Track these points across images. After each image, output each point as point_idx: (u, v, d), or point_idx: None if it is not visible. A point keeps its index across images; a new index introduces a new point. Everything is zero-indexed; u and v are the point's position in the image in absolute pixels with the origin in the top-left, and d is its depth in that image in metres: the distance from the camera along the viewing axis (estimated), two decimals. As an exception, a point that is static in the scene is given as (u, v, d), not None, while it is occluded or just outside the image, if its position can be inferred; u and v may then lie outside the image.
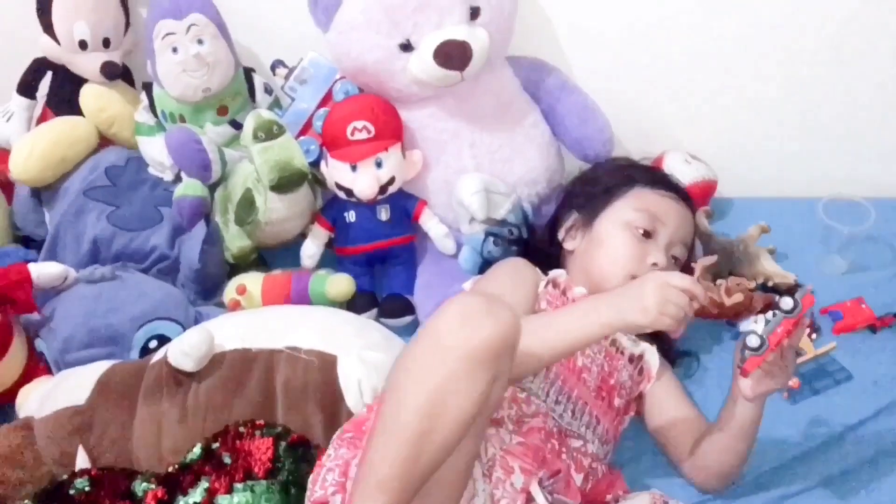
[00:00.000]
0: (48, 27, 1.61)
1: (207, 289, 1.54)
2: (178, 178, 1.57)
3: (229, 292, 1.50)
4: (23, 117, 1.70)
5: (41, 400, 1.27)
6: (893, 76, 1.64)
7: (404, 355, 1.01)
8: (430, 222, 1.57)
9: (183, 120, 1.59)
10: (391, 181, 1.50)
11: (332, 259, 1.58)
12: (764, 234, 1.51)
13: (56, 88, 1.69)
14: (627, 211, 1.33)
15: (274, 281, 1.51)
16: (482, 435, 1.05)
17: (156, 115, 1.62)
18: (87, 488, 1.14)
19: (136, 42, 1.68)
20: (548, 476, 1.09)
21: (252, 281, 1.50)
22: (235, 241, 1.55)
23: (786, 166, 1.74)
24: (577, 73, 1.66)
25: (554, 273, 1.32)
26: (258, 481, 1.12)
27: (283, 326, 1.30)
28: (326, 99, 1.58)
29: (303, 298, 1.48)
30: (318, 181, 1.57)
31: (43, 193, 1.64)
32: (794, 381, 1.33)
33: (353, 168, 1.48)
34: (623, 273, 1.28)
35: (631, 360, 1.28)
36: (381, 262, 1.59)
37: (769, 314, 1.05)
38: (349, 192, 1.50)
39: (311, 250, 1.56)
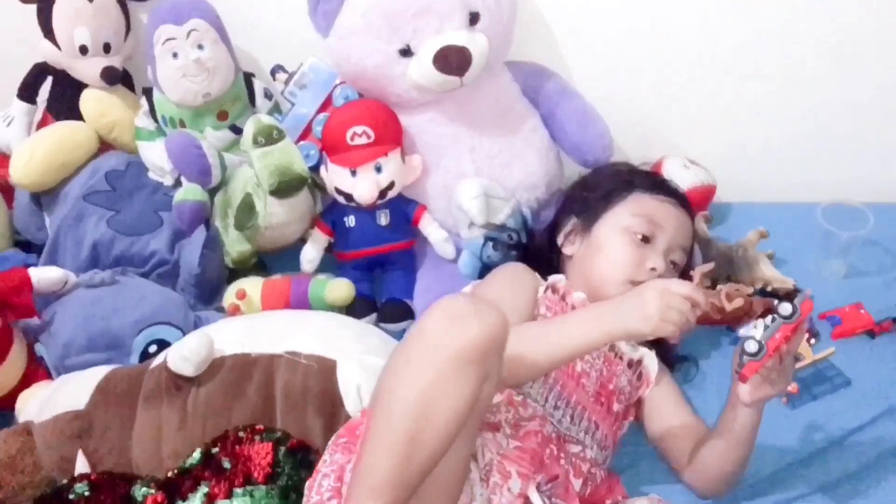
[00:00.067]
0: (49, 32, 1.61)
1: (207, 293, 1.54)
2: (178, 183, 1.57)
3: (229, 297, 1.50)
4: (23, 122, 1.71)
5: (41, 405, 1.27)
6: (892, 81, 1.64)
7: (393, 358, 1.01)
8: (429, 227, 1.57)
9: (183, 125, 1.60)
10: (391, 186, 1.50)
11: (331, 264, 1.59)
12: (763, 239, 1.51)
13: (56, 93, 1.69)
14: (626, 216, 1.33)
15: (273, 285, 1.51)
16: (475, 435, 1.05)
17: (156, 120, 1.63)
18: (86, 493, 1.14)
19: (137, 47, 1.68)
20: (546, 481, 1.09)
21: (252, 285, 1.50)
22: (235, 245, 1.55)
23: (785, 171, 1.74)
24: (576, 79, 1.67)
25: (553, 278, 1.32)
26: (258, 486, 1.12)
27: (283, 331, 1.30)
28: (326, 104, 1.59)
29: (302, 303, 1.49)
30: (317, 186, 1.57)
31: (43, 198, 1.65)
32: (792, 387, 1.33)
33: (353, 173, 1.48)
34: (622, 278, 1.28)
35: (630, 365, 1.28)
36: (381, 266, 1.59)
37: (768, 319, 1.05)
38: (349, 197, 1.50)
39: (310, 255, 1.56)
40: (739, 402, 1.10)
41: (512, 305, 1.22)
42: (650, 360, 1.29)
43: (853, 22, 1.58)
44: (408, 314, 1.52)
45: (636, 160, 1.57)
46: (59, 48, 1.62)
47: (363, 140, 1.46)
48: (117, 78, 1.64)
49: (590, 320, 1.09)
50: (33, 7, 1.62)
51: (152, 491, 1.13)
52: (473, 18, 1.45)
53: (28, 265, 1.50)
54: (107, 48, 1.64)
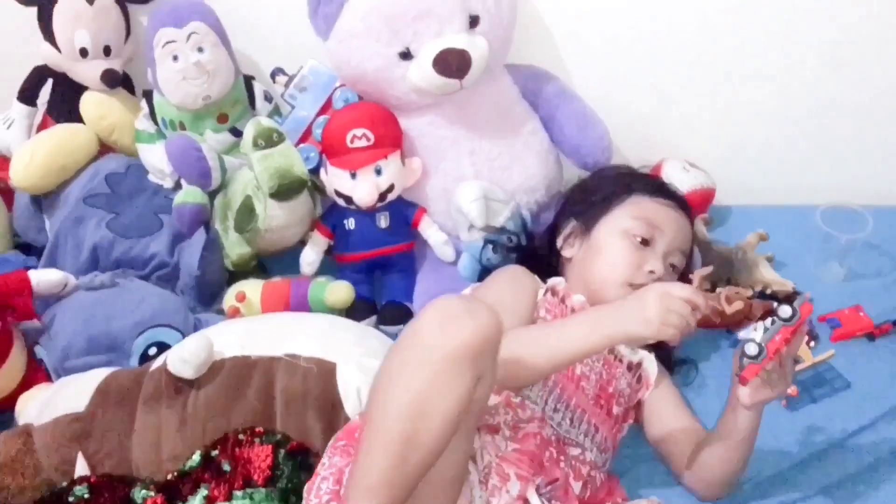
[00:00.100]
0: (49, 35, 1.61)
1: (207, 296, 1.55)
2: (177, 186, 1.58)
3: (229, 299, 1.50)
4: (23, 125, 1.71)
5: (41, 407, 1.27)
6: (891, 83, 1.64)
7: (387, 359, 1.01)
8: (429, 230, 1.57)
9: (183, 127, 1.60)
10: (390, 189, 1.50)
11: (331, 266, 1.59)
12: (762, 242, 1.51)
13: (57, 96, 1.69)
14: (625, 219, 1.33)
15: (273, 288, 1.51)
16: (472, 436, 1.05)
17: (156, 123, 1.63)
18: (86, 496, 1.14)
19: (137, 50, 1.68)
20: (545, 483, 1.09)
21: (251, 288, 1.50)
22: (235, 248, 1.55)
23: (784, 174, 1.75)
24: (575, 81, 1.67)
25: (553, 281, 1.32)
26: (257, 489, 1.12)
27: (283, 334, 1.30)
28: (326, 107, 1.59)
29: (302, 305, 1.49)
30: (317, 188, 1.57)
31: (43, 200, 1.65)
32: (792, 389, 1.33)
33: (353, 175, 1.48)
34: (621, 280, 1.28)
35: (629, 367, 1.28)
36: (381, 269, 1.59)
37: (767, 322, 1.05)
38: (349, 200, 1.50)
39: (310, 257, 1.56)
40: (739, 404, 1.10)
41: (512, 308, 1.23)
42: (650, 362, 1.29)
43: (852, 24, 1.58)
44: (408, 317, 1.52)
45: (636, 163, 1.57)
46: (60, 51, 1.62)
47: (363, 143, 1.46)
48: (117, 81, 1.65)
49: (590, 324, 1.09)
50: (34, 10, 1.62)
51: (152, 493, 1.13)
52: (473, 21, 1.45)
53: (28, 268, 1.51)
54: (107, 51, 1.64)
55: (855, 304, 1.48)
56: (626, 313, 1.06)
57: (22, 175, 1.58)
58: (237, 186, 1.54)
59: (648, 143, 1.70)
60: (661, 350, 1.32)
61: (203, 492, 1.12)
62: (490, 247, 1.46)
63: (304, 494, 1.07)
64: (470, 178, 1.54)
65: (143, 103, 1.64)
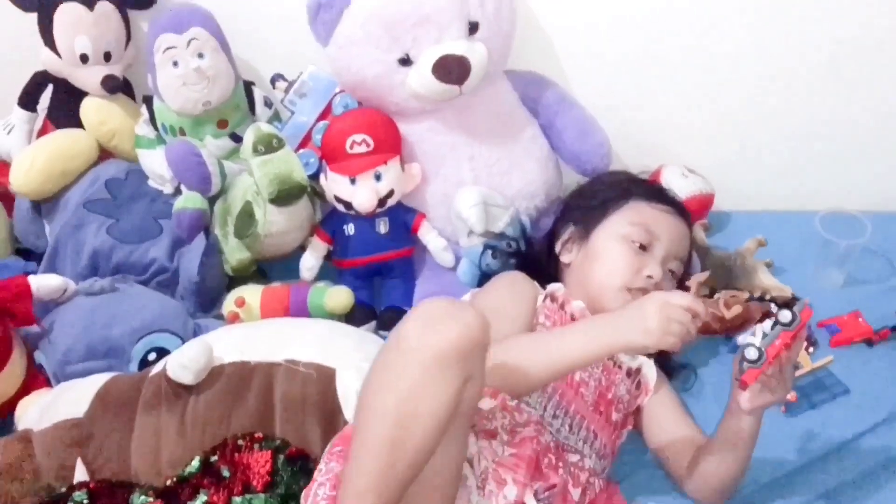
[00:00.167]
0: (49, 41, 1.61)
1: (206, 301, 1.55)
2: (177, 191, 1.58)
3: (228, 305, 1.50)
4: (23, 130, 1.71)
5: (40, 412, 1.27)
6: (890, 91, 1.65)
7: (374, 363, 1.01)
8: (428, 235, 1.57)
9: (183, 133, 1.60)
10: (390, 194, 1.50)
11: (330, 271, 1.59)
12: (761, 248, 1.51)
13: (57, 101, 1.69)
14: (623, 224, 1.33)
15: (273, 293, 1.51)
16: (466, 438, 1.05)
17: (156, 128, 1.63)
18: (85, 501, 1.14)
19: (137, 56, 1.68)
20: (543, 489, 1.09)
21: (251, 293, 1.51)
22: (235, 253, 1.55)
23: (783, 180, 1.75)
24: (575, 88, 1.67)
25: (552, 287, 1.32)
26: (256, 494, 1.12)
27: (282, 339, 1.30)
28: (326, 112, 1.59)
29: (301, 311, 1.49)
30: (317, 194, 1.57)
31: (43, 206, 1.65)
32: (791, 395, 1.33)
33: (353, 181, 1.48)
34: (619, 285, 1.28)
35: (629, 374, 1.28)
36: (380, 274, 1.59)
37: (767, 327, 1.06)
38: (348, 205, 1.50)
39: (310, 263, 1.57)
40: (739, 409, 1.10)
41: (511, 314, 1.23)
42: (649, 368, 1.29)
43: (851, 31, 1.58)
44: (407, 322, 1.52)
45: (635, 169, 1.57)
46: (60, 56, 1.62)
47: (362, 148, 1.47)
48: (118, 86, 1.65)
49: (589, 333, 1.09)
50: (34, 15, 1.62)
51: (151, 499, 1.13)
52: (473, 28, 1.46)
53: (28, 273, 1.51)
54: (107, 57, 1.64)
55: (854, 310, 1.48)
56: (626, 323, 1.06)
57: (22, 180, 1.59)
58: (237, 192, 1.54)
59: (647, 149, 1.70)
60: (660, 356, 1.32)
61: (202, 497, 1.12)
62: (489, 252, 1.46)
63: (301, 500, 1.06)
64: (469, 184, 1.54)
65: (144, 109, 1.64)
